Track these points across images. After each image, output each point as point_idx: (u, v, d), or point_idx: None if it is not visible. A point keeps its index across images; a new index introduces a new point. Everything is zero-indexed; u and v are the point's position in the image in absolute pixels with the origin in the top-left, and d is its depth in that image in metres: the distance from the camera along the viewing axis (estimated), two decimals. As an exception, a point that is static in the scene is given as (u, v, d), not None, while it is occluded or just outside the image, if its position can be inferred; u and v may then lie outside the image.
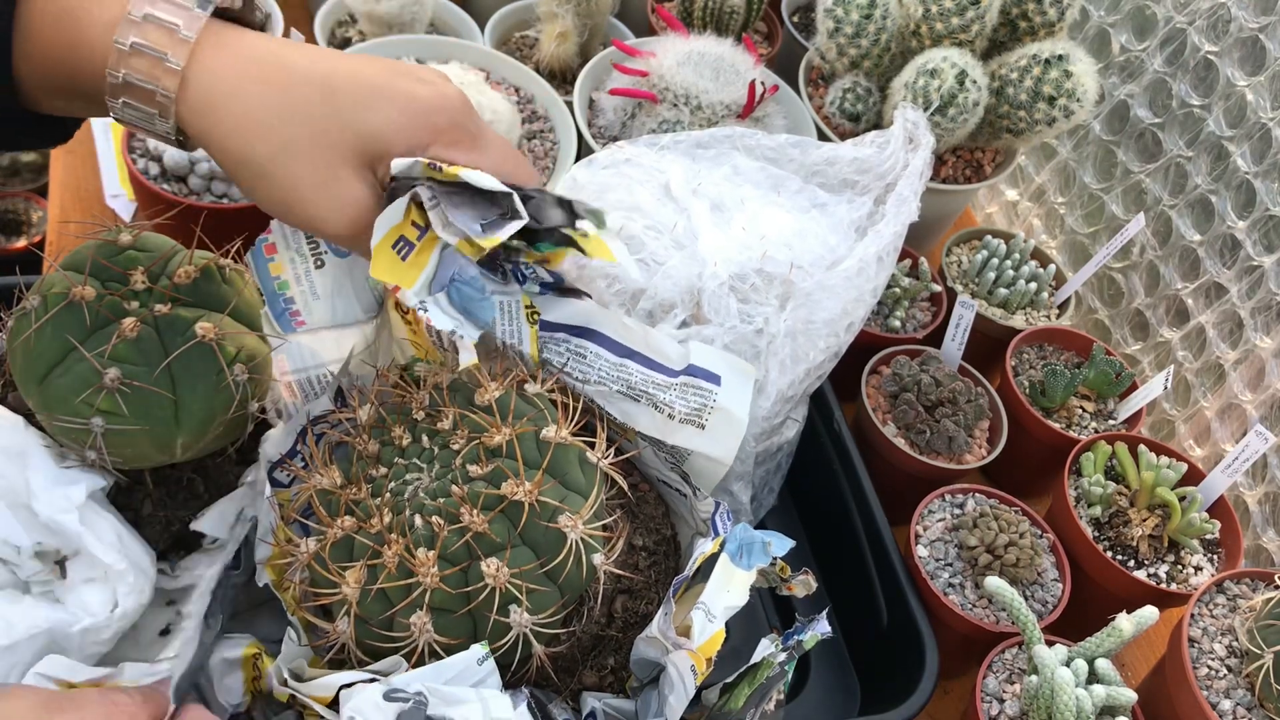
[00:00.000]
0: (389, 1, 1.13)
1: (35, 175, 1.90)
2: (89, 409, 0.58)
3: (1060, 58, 1.05)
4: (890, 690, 0.80)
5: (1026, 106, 1.07)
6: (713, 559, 0.63)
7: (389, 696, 0.51)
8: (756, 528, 0.93)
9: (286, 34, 1.13)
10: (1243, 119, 1.06)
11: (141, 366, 0.59)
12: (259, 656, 0.63)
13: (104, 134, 1.16)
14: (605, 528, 0.60)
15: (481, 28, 1.23)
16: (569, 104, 1.12)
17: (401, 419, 0.62)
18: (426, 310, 0.59)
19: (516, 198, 0.58)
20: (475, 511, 0.56)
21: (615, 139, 1.12)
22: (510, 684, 0.60)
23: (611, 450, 0.62)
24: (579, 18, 1.18)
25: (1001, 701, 0.77)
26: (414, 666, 0.56)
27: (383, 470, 0.60)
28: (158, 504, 0.69)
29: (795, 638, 0.62)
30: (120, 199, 1.10)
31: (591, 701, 0.62)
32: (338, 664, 0.59)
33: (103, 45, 0.52)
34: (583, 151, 1.09)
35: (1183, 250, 1.13)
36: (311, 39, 1.16)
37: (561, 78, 1.23)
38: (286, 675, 0.58)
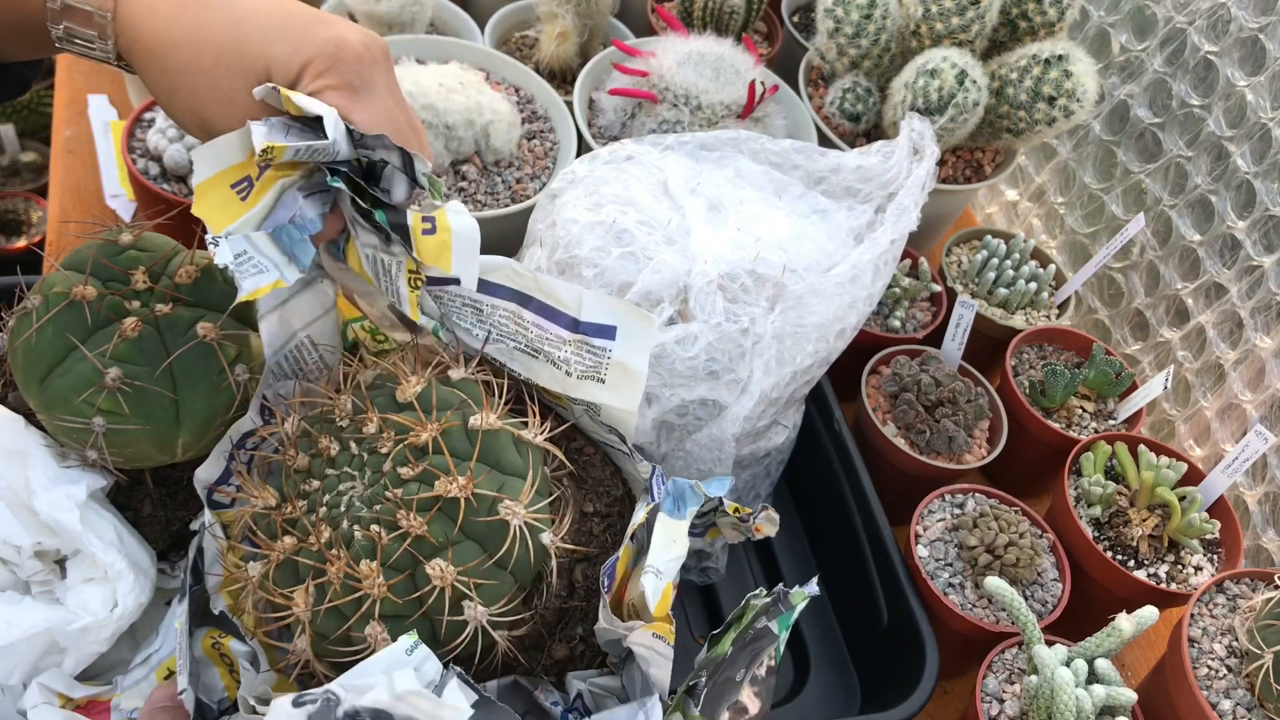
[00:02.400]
0: (389, 1, 1.13)
1: (35, 175, 1.90)
2: (90, 409, 0.58)
3: (1060, 58, 1.05)
4: (890, 690, 0.80)
5: (1026, 106, 1.07)
6: (647, 525, 0.62)
7: (297, 702, 0.50)
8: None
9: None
10: (1243, 119, 1.06)
11: (143, 366, 0.59)
12: (217, 643, 0.63)
13: (104, 134, 1.16)
14: (552, 505, 0.60)
15: (481, 28, 1.23)
16: (569, 104, 1.12)
17: (327, 428, 0.61)
18: (218, 244, 0.56)
19: (338, 138, 0.57)
20: (412, 515, 0.55)
21: (615, 139, 1.12)
22: (477, 673, 0.59)
23: (545, 425, 0.61)
24: (579, 18, 1.18)
25: (1001, 701, 0.77)
26: None
27: (315, 484, 0.59)
28: (158, 504, 0.69)
29: (783, 592, 0.62)
30: (120, 199, 1.10)
31: (577, 684, 0.62)
32: (306, 677, 0.58)
33: None
34: (582, 151, 1.09)
35: (1183, 250, 1.13)
36: (312, 39, 1.16)
37: (561, 78, 1.23)
38: (254, 703, 0.58)
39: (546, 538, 0.57)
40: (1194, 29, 1.11)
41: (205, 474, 0.64)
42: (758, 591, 0.61)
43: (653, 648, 0.57)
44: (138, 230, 0.65)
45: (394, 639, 0.54)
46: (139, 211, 1.06)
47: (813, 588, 0.62)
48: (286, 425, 0.62)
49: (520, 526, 0.56)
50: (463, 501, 0.55)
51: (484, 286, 0.66)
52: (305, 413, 0.62)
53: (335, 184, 0.58)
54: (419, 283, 0.63)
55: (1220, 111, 1.09)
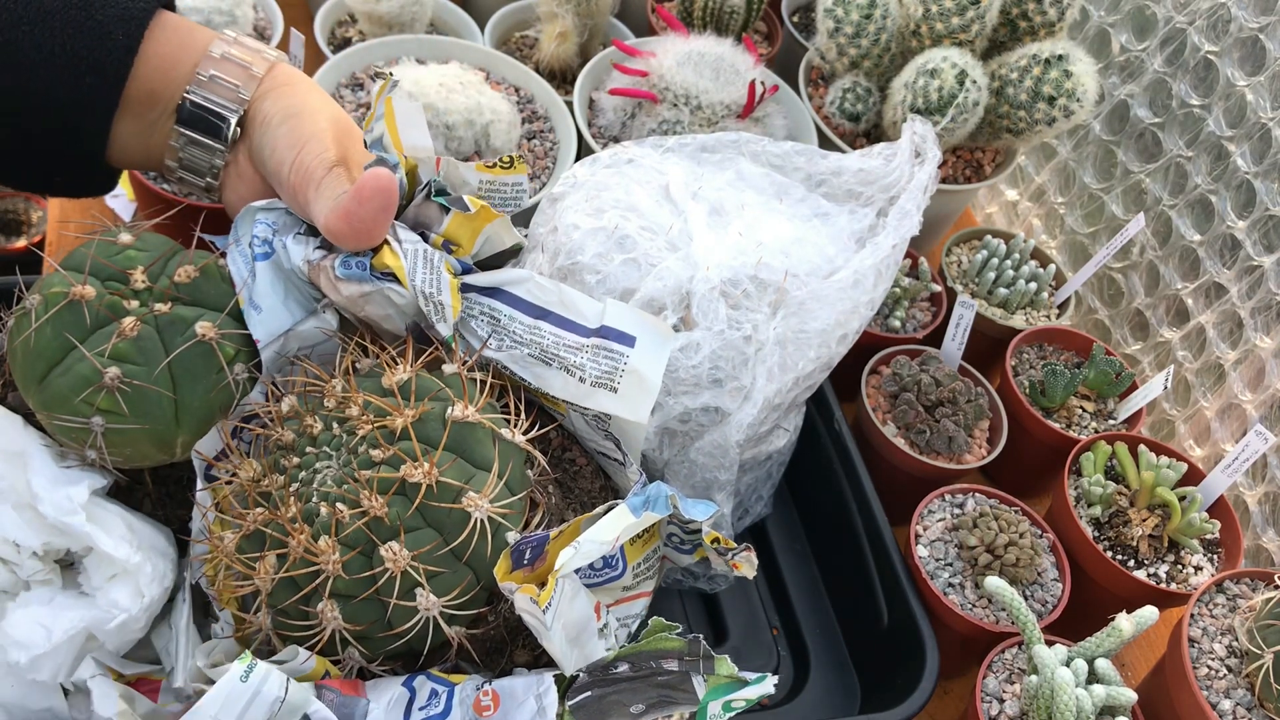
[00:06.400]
0: (389, 1, 1.13)
1: (35, 175, 1.90)
2: (89, 408, 0.58)
3: (1060, 58, 1.05)
4: (890, 690, 0.80)
5: (1026, 106, 1.07)
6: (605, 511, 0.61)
7: None
8: (750, 531, 0.93)
9: (286, 34, 1.13)
10: (1243, 119, 1.06)
11: (142, 366, 0.59)
12: None
13: (104, 134, 1.16)
14: (529, 504, 0.59)
15: (481, 28, 1.23)
16: (569, 104, 1.12)
17: (315, 408, 0.62)
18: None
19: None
20: (374, 495, 0.56)
21: (615, 139, 1.12)
22: (425, 668, 0.59)
23: (527, 424, 0.61)
24: (579, 18, 1.18)
25: (1001, 701, 0.77)
26: (321, 654, 0.56)
27: (295, 460, 0.60)
28: (157, 503, 0.69)
29: (704, 647, 0.60)
30: (120, 199, 1.10)
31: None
32: (266, 654, 0.59)
33: (205, 42, 0.67)
34: (583, 151, 1.09)
35: (1183, 250, 1.13)
36: (311, 39, 1.16)
37: (561, 78, 1.23)
38: (208, 671, 0.59)
39: (512, 537, 0.57)
40: (1194, 29, 1.11)
41: (205, 447, 0.65)
42: (673, 624, 0.61)
43: (531, 613, 0.55)
44: (137, 230, 0.65)
45: (345, 619, 0.55)
46: (138, 211, 1.06)
47: (767, 686, 0.60)
48: (282, 404, 0.63)
49: (482, 520, 0.56)
50: (424, 487, 0.55)
51: (505, 298, 0.67)
52: (299, 392, 0.64)
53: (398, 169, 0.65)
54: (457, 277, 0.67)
55: (1220, 111, 1.09)
